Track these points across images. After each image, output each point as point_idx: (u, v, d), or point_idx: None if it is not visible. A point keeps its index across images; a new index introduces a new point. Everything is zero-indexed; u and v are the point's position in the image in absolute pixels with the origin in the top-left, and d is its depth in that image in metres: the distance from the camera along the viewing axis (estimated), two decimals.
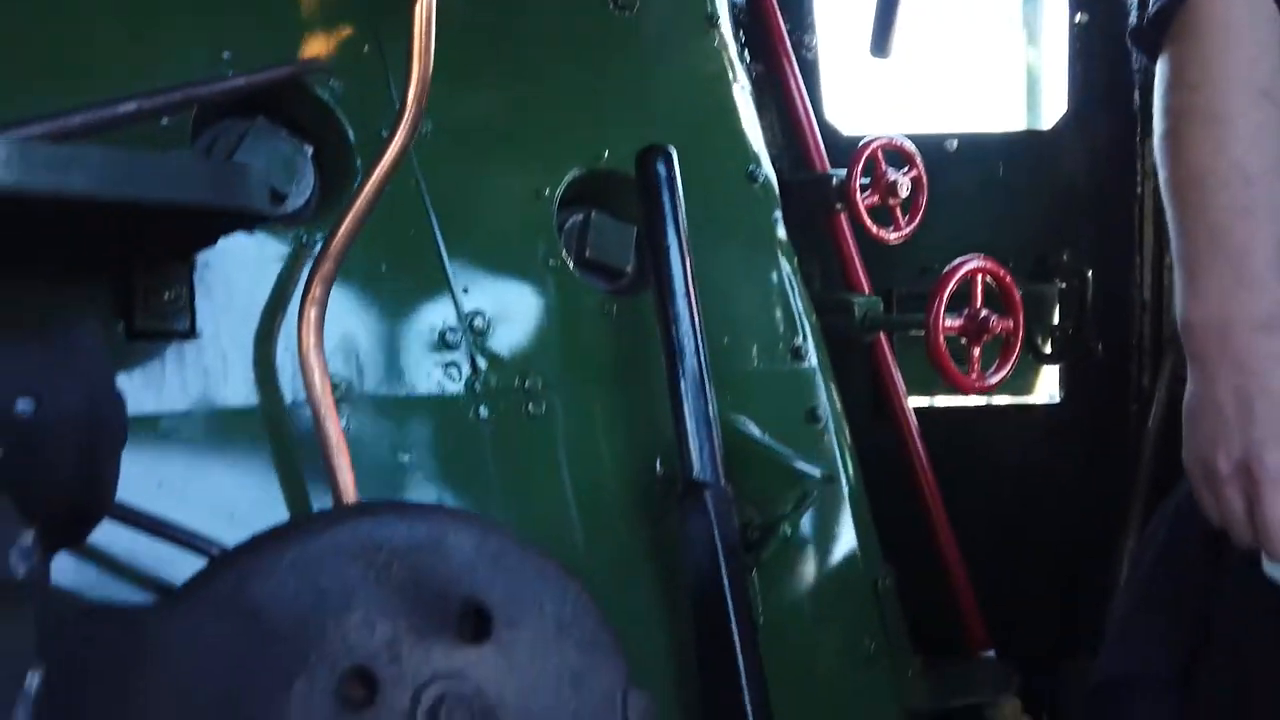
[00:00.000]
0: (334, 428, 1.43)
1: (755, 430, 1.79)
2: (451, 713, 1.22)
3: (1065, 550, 2.61)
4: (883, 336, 2.44)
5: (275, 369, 1.47)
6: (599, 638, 1.39)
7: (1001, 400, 2.69)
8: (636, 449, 1.74)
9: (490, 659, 1.28)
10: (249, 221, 1.34)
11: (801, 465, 1.66)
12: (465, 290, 1.66)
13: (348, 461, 1.42)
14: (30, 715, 0.77)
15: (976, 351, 2.15)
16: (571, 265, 1.79)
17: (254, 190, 1.17)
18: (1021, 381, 2.73)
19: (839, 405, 1.99)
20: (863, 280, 2.43)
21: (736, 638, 1.55)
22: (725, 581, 1.55)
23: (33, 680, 0.77)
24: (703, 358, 1.65)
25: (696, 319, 1.66)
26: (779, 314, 1.97)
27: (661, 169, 1.70)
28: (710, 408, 1.62)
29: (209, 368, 1.44)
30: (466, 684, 1.24)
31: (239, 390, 1.46)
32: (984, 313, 2.12)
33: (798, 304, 2.00)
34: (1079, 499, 2.62)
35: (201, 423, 1.43)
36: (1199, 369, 1.08)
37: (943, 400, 2.68)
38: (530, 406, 1.68)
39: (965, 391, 2.19)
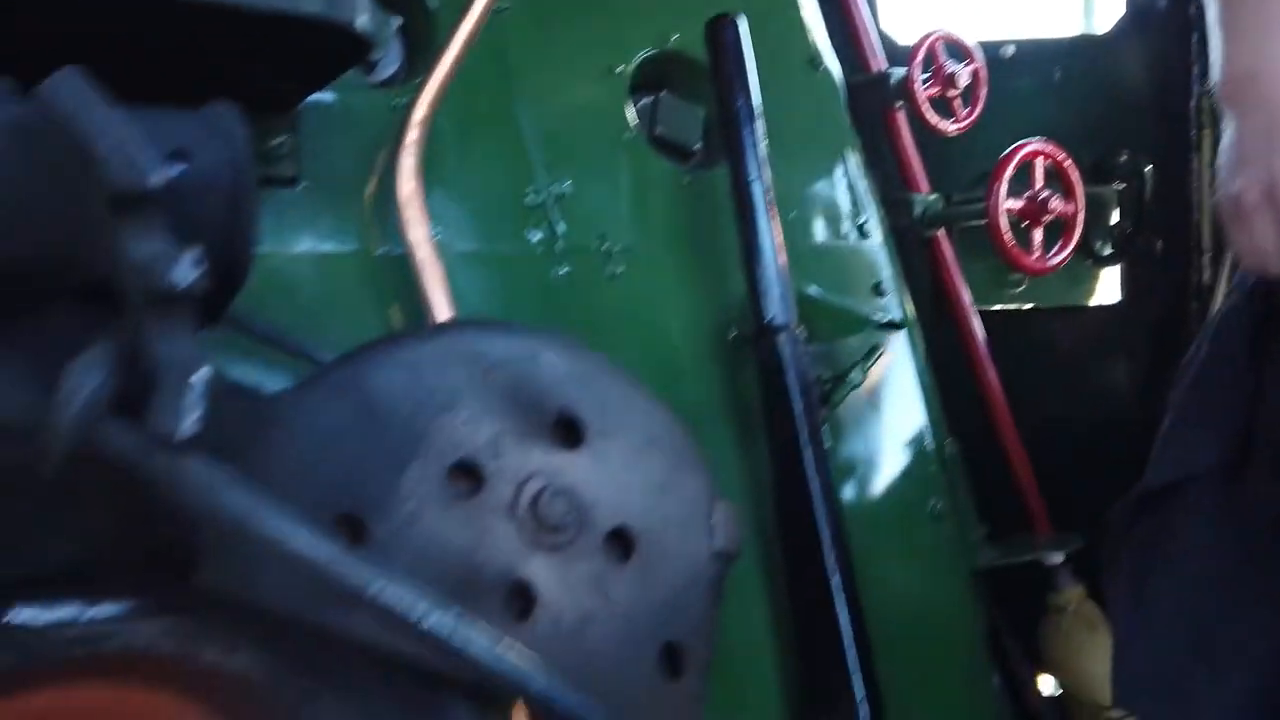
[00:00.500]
0: (433, 269, 1.51)
1: (824, 292, 1.85)
2: (552, 502, 1.29)
3: (1126, 448, 2.63)
4: (942, 238, 2.49)
5: (374, 216, 1.56)
6: (685, 453, 1.46)
7: (1061, 302, 2.72)
8: (710, 310, 1.81)
9: (584, 463, 1.36)
10: (356, 55, 1.41)
11: (870, 312, 1.72)
12: (543, 157, 1.74)
13: (446, 298, 1.50)
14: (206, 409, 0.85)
15: (1037, 234, 2.19)
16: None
17: (360, 9, 1.24)
18: (1081, 286, 2.75)
19: (903, 281, 2.05)
20: (921, 181, 2.48)
21: (813, 476, 1.61)
22: (800, 419, 1.61)
23: (202, 376, 0.86)
24: (774, 213, 1.71)
25: (767, 176, 1.73)
26: (844, 192, 2.03)
27: (730, 35, 1.77)
28: (782, 257, 1.68)
29: (310, 215, 1.53)
30: (563, 482, 1.32)
31: (339, 236, 1.55)
32: (1044, 194, 2.16)
33: (861, 185, 2.06)
34: (1140, 398, 2.64)
35: (304, 266, 1.52)
36: (1231, 118, 1.12)
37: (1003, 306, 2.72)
38: (608, 268, 1.75)
39: (1027, 271, 2.24)
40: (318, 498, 1.17)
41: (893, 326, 1.75)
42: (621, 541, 1.37)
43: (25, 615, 1.07)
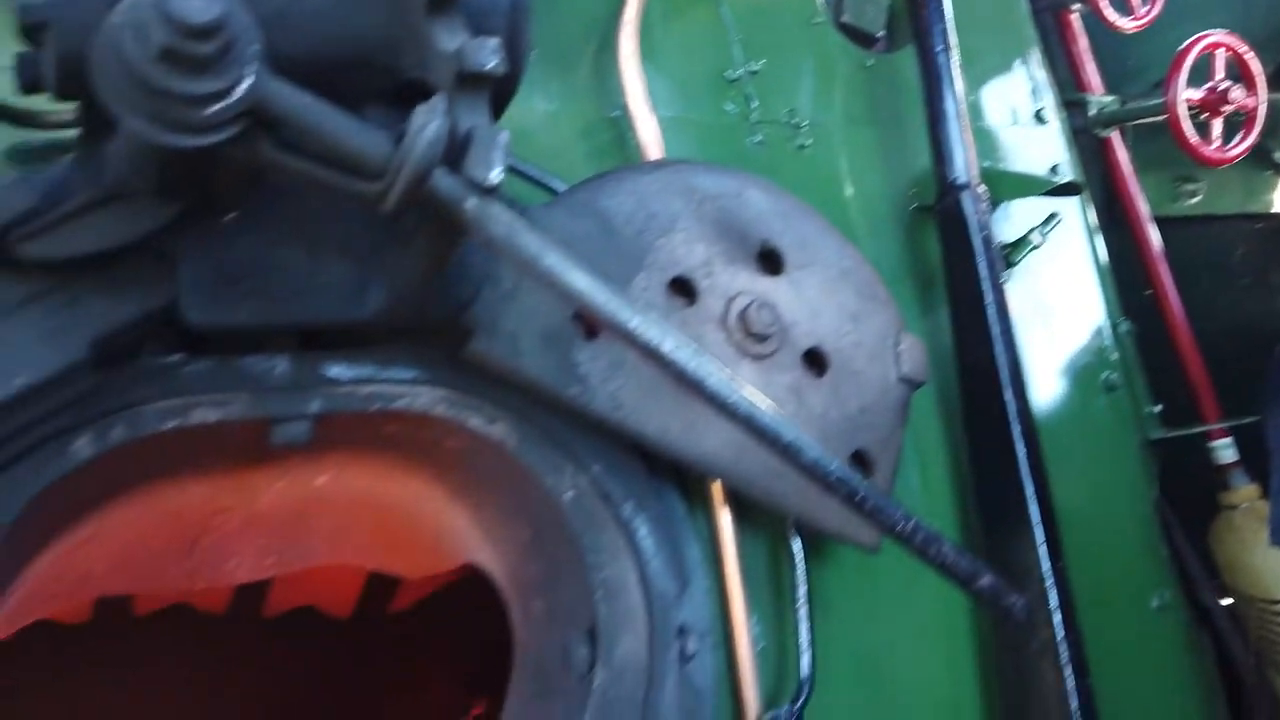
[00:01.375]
0: (647, 125, 1.68)
1: (1002, 165, 1.95)
2: (758, 313, 1.46)
3: None
4: (1117, 143, 2.53)
5: (596, 82, 1.75)
6: (875, 289, 1.60)
7: (1238, 210, 2.71)
8: (892, 183, 1.93)
9: (784, 289, 1.52)
10: None
11: (1050, 175, 1.81)
12: (741, 38, 1.89)
13: (659, 151, 1.67)
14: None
15: (1216, 125, 2.22)
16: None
17: None
18: (1259, 194, 2.74)
19: (1080, 167, 2.12)
20: (1096, 82, 2.52)
21: (995, 327, 1.71)
22: (983, 273, 1.72)
23: (504, 139, 1.06)
24: (958, 81, 1.82)
25: (953, 51, 1.84)
26: (1022, 80, 2.12)
27: None
28: (965, 121, 1.79)
29: (541, 78, 1.72)
30: (766, 301, 1.49)
31: (566, 98, 1.74)
32: (1224, 84, 2.19)
33: (1040, 75, 2.14)
34: None
35: (537, 122, 1.71)
36: None
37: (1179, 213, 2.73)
38: (796, 140, 1.90)
39: (1205, 163, 2.26)
40: None
41: (1071, 188, 1.83)
42: (816, 360, 1.53)
43: (336, 369, 1.30)
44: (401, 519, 1.73)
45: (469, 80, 1.07)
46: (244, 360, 1.26)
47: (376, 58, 1.15)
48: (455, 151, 1.04)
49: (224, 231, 1.16)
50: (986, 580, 1.23)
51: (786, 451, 1.16)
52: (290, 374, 1.28)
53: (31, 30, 1.00)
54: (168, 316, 1.16)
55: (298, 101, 0.98)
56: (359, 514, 1.76)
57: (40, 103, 1.19)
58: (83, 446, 1.17)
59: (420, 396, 1.34)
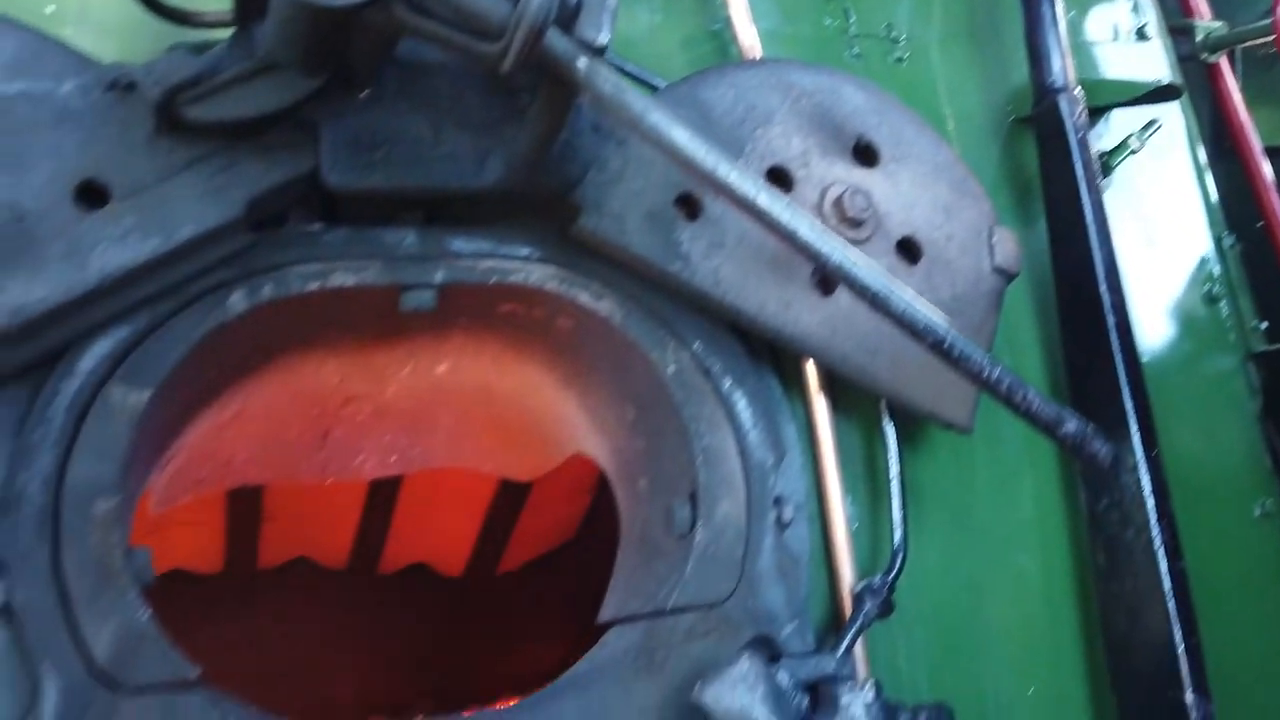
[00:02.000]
0: (750, 37, 1.74)
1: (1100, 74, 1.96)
2: (853, 199, 1.52)
3: None
4: (1226, 71, 2.49)
5: None
6: (969, 184, 1.65)
7: None
8: (988, 96, 1.96)
9: (879, 180, 1.58)
10: None
11: (1147, 81, 1.82)
12: None
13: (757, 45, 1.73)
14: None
15: None
16: None
17: None
18: None
19: (1182, 79, 2.11)
20: (1204, 8, 2.49)
21: (1092, 224, 1.73)
22: (1079, 174, 1.75)
23: (614, 2, 1.15)
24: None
25: None
26: None
27: None
28: (1063, 28, 1.82)
29: None
30: (861, 190, 1.55)
31: (664, 12, 1.82)
32: None
33: None
34: None
35: (642, 32, 1.80)
36: None
37: None
38: (894, 54, 1.94)
39: None
40: (664, 177, 1.46)
41: (1170, 92, 1.83)
42: (910, 249, 1.58)
43: (459, 243, 1.42)
44: (516, 413, 1.85)
45: None
46: (376, 231, 1.38)
47: None
48: (568, 15, 1.14)
49: (359, 105, 1.28)
50: (1072, 425, 1.28)
51: (876, 299, 1.22)
52: (418, 245, 1.39)
53: None
54: (311, 183, 1.29)
55: None
56: (477, 410, 1.89)
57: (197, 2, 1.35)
58: (238, 300, 1.30)
59: (533, 272, 1.45)
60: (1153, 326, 1.92)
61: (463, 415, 1.91)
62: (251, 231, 1.29)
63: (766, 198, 1.18)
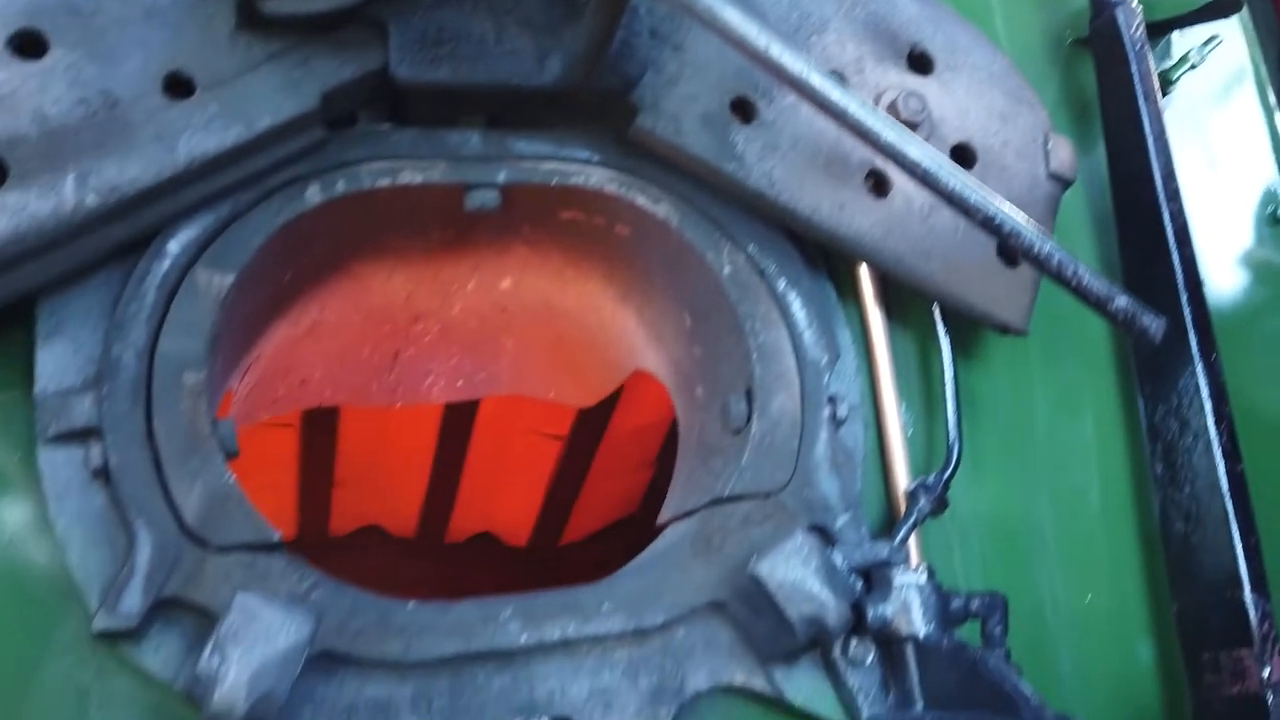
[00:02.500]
0: None
1: None
2: (907, 101, 1.55)
3: None
4: None
5: None
6: (1024, 92, 1.66)
7: None
8: (1048, 13, 1.96)
9: (933, 87, 1.60)
10: None
11: None
12: None
13: None
14: None
15: None
16: None
17: None
18: None
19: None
20: None
21: (1150, 135, 1.72)
22: (1137, 88, 1.74)
23: None
24: None
25: None
26: None
27: None
28: None
29: None
30: (915, 95, 1.57)
31: None
32: None
33: None
34: None
35: None
36: None
37: None
38: None
39: None
40: (719, 81, 1.50)
41: (1230, 6, 1.81)
42: (964, 155, 1.60)
43: (521, 144, 1.47)
44: (577, 331, 1.90)
45: None
46: (442, 133, 1.44)
47: None
48: None
49: (425, 5, 1.35)
50: (1122, 300, 1.29)
51: (927, 177, 1.25)
52: (481, 146, 1.45)
53: None
54: (380, 80, 1.35)
55: None
56: (538, 331, 1.95)
57: None
58: (313, 194, 1.37)
59: (593, 175, 1.50)
60: (1213, 249, 1.90)
61: (525, 338, 1.97)
62: (325, 127, 1.35)
63: (818, 77, 1.21)
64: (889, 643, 1.35)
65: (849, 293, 1.61)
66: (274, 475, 4.10)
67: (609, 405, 3.82)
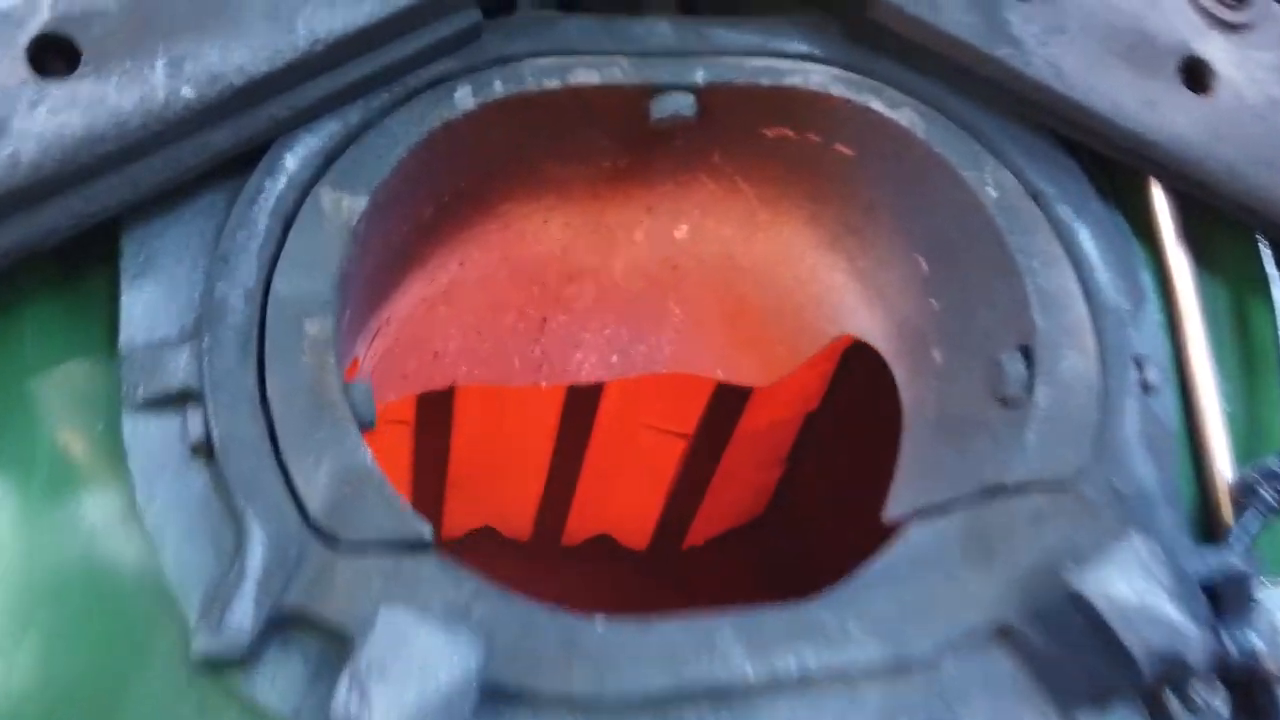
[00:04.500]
0: None
1: None
2: None
3: None
4: None
5: None
6: None
7: None
8: None
9: None
10: None
11: None
12: None
13: None
14: None
15: None
16: None
17: None
18: None
19: None
20: None
21: None
22: None
23: None
24: None
25: None
26: None
27: None
28: None
29: None
30: None
31: None
32: None
33: None
34: None
35: None
36: None
37: None
38: None
39: None
40: None
41: None
42: None
43: (722, 35, 1.14)
44: (762, 293, 1.56)
45: None
46: (623, 20, 1.13)
47: None
48: None
49: None
50: None
51: None
52: (673, 38, 1.13)
53: None
54: None
55: None
56: (713, 296, 1.62)
57: None
58: (464, 96, 1.07)
59: (813, 73, 1.16)
60: None
61: (696, 303, 1.65)
62: (479, 9, 1.05)
63: None
64: (1249, 685, 0.98)
65: (1138, 226, 1.24)
66: (390, 474, 3.90)
67: (740, 400, 3.53)
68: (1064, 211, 1.17)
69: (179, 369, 0.92)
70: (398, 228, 1.17)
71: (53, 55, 0.90)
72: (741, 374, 1.83)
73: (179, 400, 0.92)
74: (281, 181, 1.00)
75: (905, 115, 1.17)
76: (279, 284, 0.97)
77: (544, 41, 1.10)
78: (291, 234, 0.99)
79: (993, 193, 1.16)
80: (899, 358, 1.38)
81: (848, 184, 1.29)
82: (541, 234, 1.41)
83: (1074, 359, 1.11)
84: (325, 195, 1.00)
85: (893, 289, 1.36)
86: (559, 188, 1.31)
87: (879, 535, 1.11)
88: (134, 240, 0.97)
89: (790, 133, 1.23)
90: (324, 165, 1.02)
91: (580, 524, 4.75)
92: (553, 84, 1.10)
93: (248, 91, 0.94)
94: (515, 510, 4.57)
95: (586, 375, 1.80)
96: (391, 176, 1.04)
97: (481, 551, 4.53)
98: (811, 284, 1.49)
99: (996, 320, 1.18)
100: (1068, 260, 1.15)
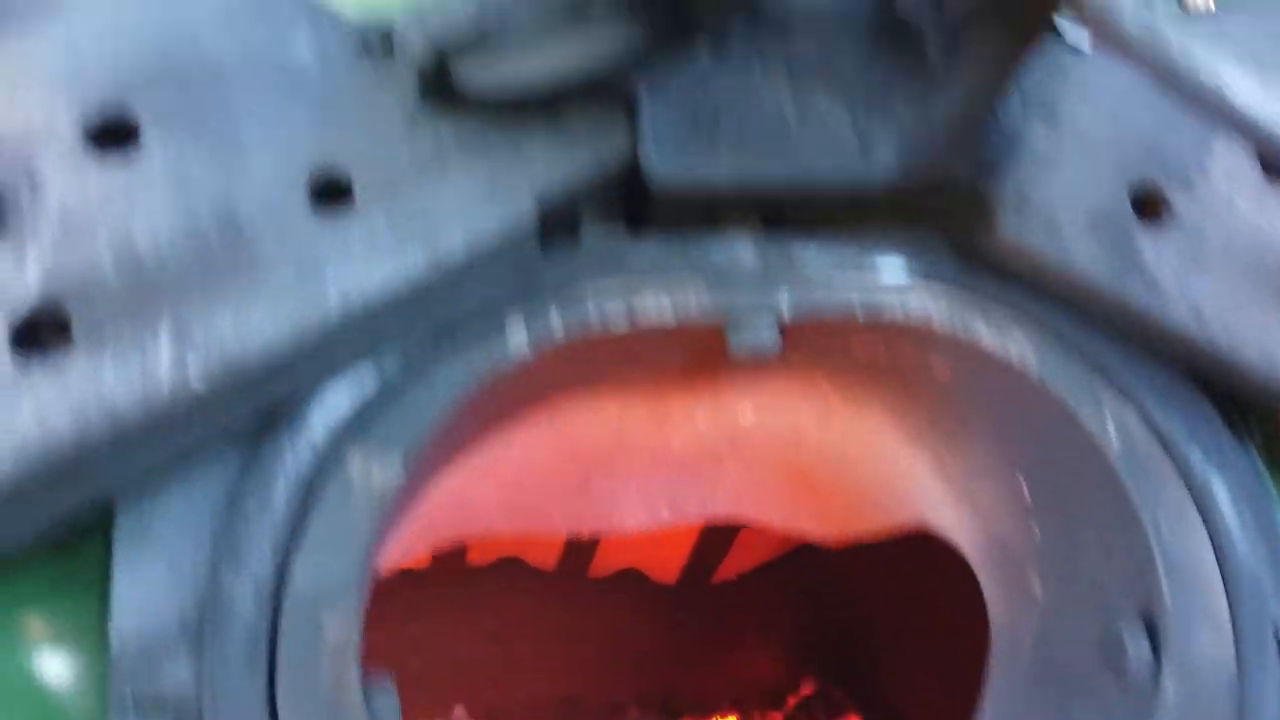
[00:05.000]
0: None
1: None
2: None
3: None
4: None
5: None
6: None
7: None
8: None
9: None
10: None
11: None
12: None
13: None
14: None
15: None
16: None
17: None
18: None
19: None
20: None
21: None
22: None
23: None
24: None
25: None
26: None
27: None
28: None
29: None
30: None
31: None
32: None
33: None
34: None
35: None
36: None
37: None
38: None
39: None
40: (1116, 163, 0.99)
41: None
42: None
43: (811, 256, 1.00)
44: (831, 466, 1.42)
45: None
46: (699, 240, 0.98)
47: None
48: None
49: (692, 65, 0.88)
50: None
51: None
52: (755, 259, 0.99)
53: None
54: (618, 175, 0.90)
55: None
56: (776, 459, 1.48)
57: None
58: (516, 336, 0.93)
59: (912, 297, 1.01)
60: None
61: (756, 465, 1.51)
62: (536, 242, 0.91)
63: None
64: None
65: (1275, 466, 1.09)
66: None
67: None
68: (1195, 457, 1.02)
69: (174, 677, 0.80)
70: (434, 456, 1.04)
71: (39, 328, 0.77)
72: (807, 529, 1.69)
73: (176, 711, 0.80)
74: (303, 443, 0.87)
75: (1015, 344, 1.02)
76: (297, 573, 0.84)
77: (607, 264, 0.96)
78: (313, 511, 0.86)
79: (1114, 435, 1.01)
80: (989, 573, 1.24)
81: (940, 399, 1.14)
82: (595, 421, 1.28)
83: (1207, 639, 0.96)
84: (354, 464, 0.87)
85: (986, 500, 1.22)
86: (619, 385, 1.18)
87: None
88: (129, 511, 0.84)
89: (883, 353, 1.08)
90: (355, 420, 0.89)
91: (609, 557, 4.63)
92: (617, 314, 0.96)
93: (266, 369, 0.81)
94: (543, 541, 4.46)
95: (631, 525, 1.67)
96: (430, 435, 0.91)
97: (507, 580, 4.44)
98: (889, 466, 1.35)
99: (1113, 573, 1.04)
100: (1199, 516, 1.00)
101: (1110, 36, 0.70)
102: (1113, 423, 1.01)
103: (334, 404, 0.88)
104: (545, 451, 1.36)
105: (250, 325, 0.79)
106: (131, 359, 0.77)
